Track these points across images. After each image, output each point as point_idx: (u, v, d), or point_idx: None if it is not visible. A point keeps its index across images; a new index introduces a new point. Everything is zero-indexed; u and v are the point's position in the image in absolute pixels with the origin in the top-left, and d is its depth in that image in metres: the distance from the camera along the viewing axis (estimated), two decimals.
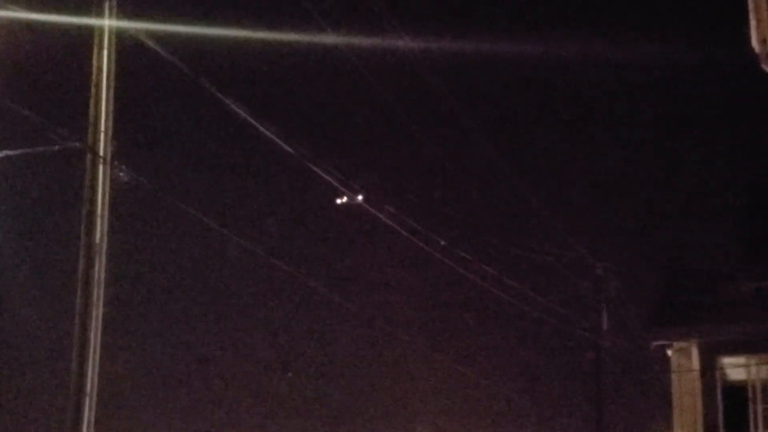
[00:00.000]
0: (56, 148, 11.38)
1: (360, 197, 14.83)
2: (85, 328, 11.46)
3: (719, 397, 22.01)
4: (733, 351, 21.96)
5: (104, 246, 11.68)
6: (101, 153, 11.64)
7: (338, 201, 14.71)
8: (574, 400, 30.44)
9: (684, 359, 22.45)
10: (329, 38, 13.65)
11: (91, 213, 11.63)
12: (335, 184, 13.93)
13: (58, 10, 11.85)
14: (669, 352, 23.09)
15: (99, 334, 11.56)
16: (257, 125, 12.44)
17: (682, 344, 22.48)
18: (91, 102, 11.79)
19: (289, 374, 28.13)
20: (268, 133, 12.60)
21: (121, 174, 11.74)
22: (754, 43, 12.72)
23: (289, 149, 12.94)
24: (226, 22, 14.60)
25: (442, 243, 16.64)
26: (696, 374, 22.05)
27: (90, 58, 11.85)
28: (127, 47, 11.90)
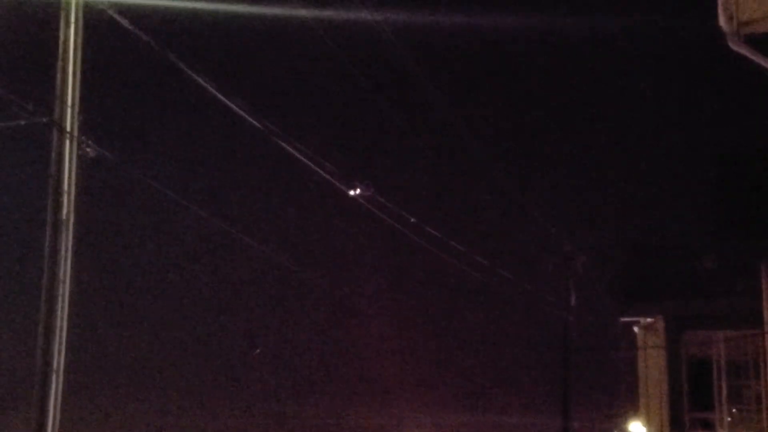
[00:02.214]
0: (22, 122, 11.26)
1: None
2: (51, 304, 11.39)
3: (684, 372, 22.25)
4: (698, 327, 22.18)
5: (71, 221, 11.60)
6: (68, 128, 11.54)
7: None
8: (542, 375, 30.64)
9: (650, 335, 22.66)
10: (301, 12, 13.57)
11: (58, 188, 11.54)
12: (304, 160, 13.88)
13: None
14: (635, 329, 23.31)
15: (66, 310, 11.48)
16: (225, 100, 12.35)
17: (648, 320, 22.70)
18: (58, 76, 11.68)
19: (257, 350, 28.11)
20: (236, 109, 12.52)
21: (87, 149, 11.64)
22: (722, 20, 12.79)
23: (258, 125, 12.87)
24: None
25: (412, 220, 16.65)
26: (661, 350, 22.27)
27: (57, 32, 11.72)
28: (94, 21, 11.77)
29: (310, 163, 13.97)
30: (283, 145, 13.44)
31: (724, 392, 22.10)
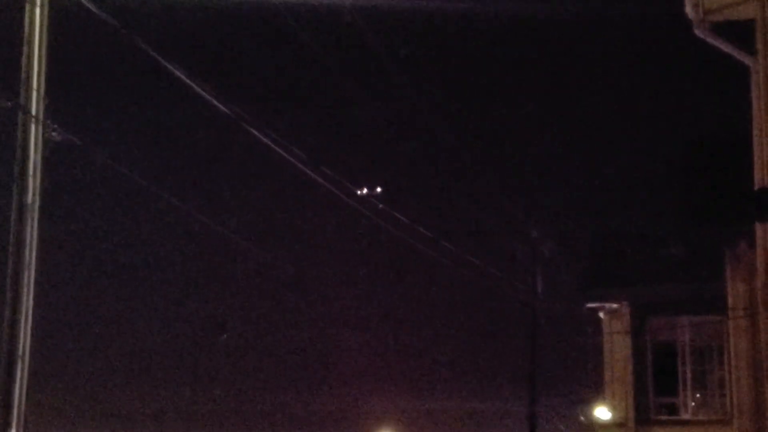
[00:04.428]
0: None
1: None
2: (17, 291, 11.31)
3: (649, 357, 22.43)
4: (664, 312, 22.35)
5: (36, 206, 11.52)
6: (33, 112, 11.45)
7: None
8: (508, 361, 30.78)
9: (615, 320, 22.81)
10: None
11: (23, 173, 11.46)
12: (272, 146, 13.84)
13: None
14: (601, 314, 23.45)
15: (31, 297, 11.42)
16: (193, 85, 12.28)
17: (614, 306, 22.84)
18: (23, 60, 11.58)
19: (224, 336, 28.03)
20: (204, 94, 12.46)
21: (53, 133, 11.56)
22: (688, 8, 12.87)
23: (226, 111, 12.81)
24: None
25: (380, 207, 16.65)
26: (627, 335, 22.43)
27: (22, 15, 11.62)
28: (60, 4, 11.67)
29: (280, 150, 13.94)
30: (253, 131, 13.40)
31: (689, 377, 22.31)
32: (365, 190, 15.30)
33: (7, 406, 11.15)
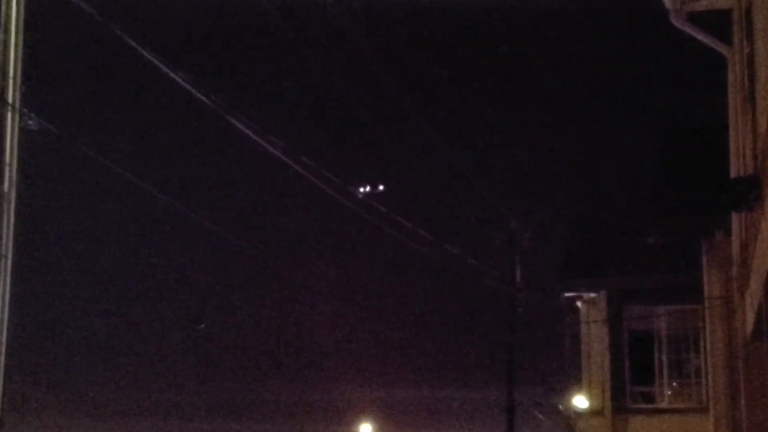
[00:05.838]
0: None
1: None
2: None
3: (626, 346, 22.57)
4: (640, 301, 22.48)
5: (13, 195, 11.47)
6: (10, 100, 11.38)
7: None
8: (487, 350, 30.89)
9: (593, 309, 22.92)
10: None
11: None
12: (250, 134, 13.82)
13: None
14: (579, 303, 23.57)
15: (9, 285, 11.36)
16: (169, 72, 12.23)
17: (591, 295, 22.97)
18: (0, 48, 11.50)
19: (202, 325, 28.03)
20: (180, 81, 12.41)
21: (30, 122, 11.50)
22: None
23: (203, 98, 12.77)
24: None
25: (360, 195, 16.66)
26: (604, 324, 22.55)
27: None
28: None
29: (255, 137, 13.92)
30: (230, 120, 13.37)
31: (665, 366, 22.44)
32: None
33: None
